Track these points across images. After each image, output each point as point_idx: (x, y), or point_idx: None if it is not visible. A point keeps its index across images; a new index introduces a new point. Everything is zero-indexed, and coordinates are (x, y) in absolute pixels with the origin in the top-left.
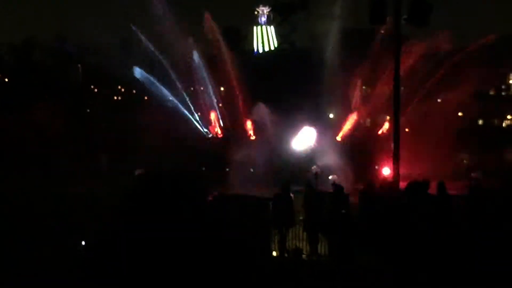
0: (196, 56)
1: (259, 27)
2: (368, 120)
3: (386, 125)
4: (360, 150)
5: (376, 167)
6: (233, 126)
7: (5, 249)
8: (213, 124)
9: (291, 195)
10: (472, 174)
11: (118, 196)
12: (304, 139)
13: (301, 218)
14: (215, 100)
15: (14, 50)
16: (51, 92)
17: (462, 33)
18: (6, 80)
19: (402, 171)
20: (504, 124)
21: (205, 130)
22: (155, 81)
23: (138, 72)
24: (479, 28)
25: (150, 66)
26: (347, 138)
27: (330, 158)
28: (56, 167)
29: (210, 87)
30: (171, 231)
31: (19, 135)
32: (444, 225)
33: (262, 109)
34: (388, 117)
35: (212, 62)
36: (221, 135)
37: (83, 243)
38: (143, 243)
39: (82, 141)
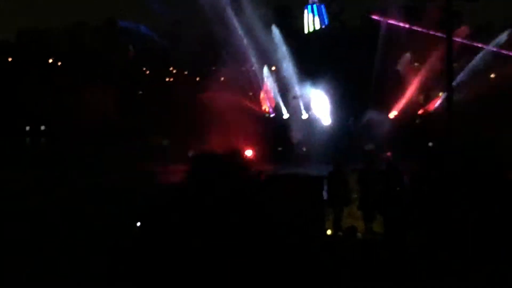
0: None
1: (309, 6)
2: (421, 97)
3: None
4: (413, 127)
5: (430, 144)
6: (285, 106)
7: (66, 225)
8: (265, 104)
9: (346, 173)
10: None
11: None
12: (356, 118)
13: (355, 196)
14: (266, 80)
15: (66, 34)
16: (103, 75)
17: None
18: (59, 63)
19: None
20: None
21: (258, 110)
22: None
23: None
24: None
25: (201, 47)
26: (400, 115)
27: (383, 136)
28: (109, 148)
29: (261, 66)
30: (224, 210)
31: (73, 117)
32: (498, 208)
33: (314, 88)
34: (440, 94)
35: (264, 41)
36: (273, 115)
37: (138, 224)
38: (196, 224)
39: (134, 122)
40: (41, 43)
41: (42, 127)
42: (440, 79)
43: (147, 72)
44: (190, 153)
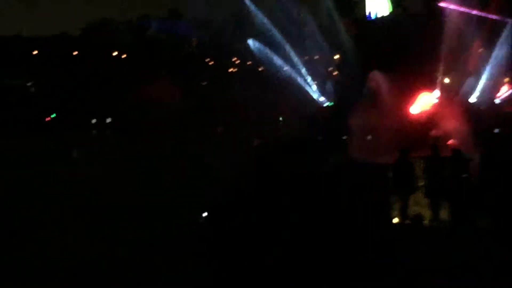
0: (309, 23)
1: None
2: (488, 83)
3: (505, 88)
4: (478, 114)
5: (496, 130)
6: (348, 94)
7: (131, 220)
8: (328, 92)
9: (411, 160)
10: None
11: (237, 167)
12: (421, 105)
13: (422, 184)
14: (330, 69)
15: (130, 27)
16: (167, 67)
17: None
18: (124, 56)
19: None
20: None
21: (321, 99)
22: (269, 52)
23: (251, 43)
24: None
25: (264, 37)
26: (464, 102)
27: (448, 123)
28: (174, 138)
29: (324, 55)
30: (290, 200)
31: (138, 109)
32: None
33: (377, 76)
34: (506, 79)
35: (326, 29)
36: (337, 104)
37: (204, 214)
38: (262, 213)
39: (199, 113)
40: (105, 36)
41: (108, 120)
42: (508, 65)
43: (211, 63)
44: (255, 142)
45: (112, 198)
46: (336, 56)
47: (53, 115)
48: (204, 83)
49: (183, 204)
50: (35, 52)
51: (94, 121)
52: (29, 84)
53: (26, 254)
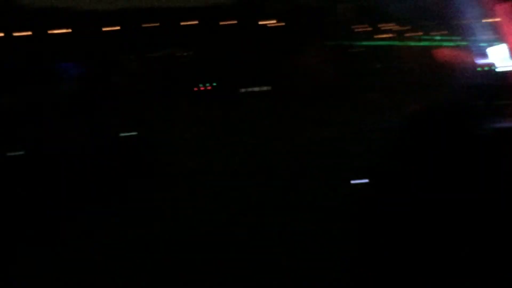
0: None
1: None
2: None
3: None
4: None
5: None
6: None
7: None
8: (488, 56)
9: None
10: None
11: (392, 133)
12: None
13: None
14: (490, 31)
15: None
16: (320, 33)
17: None
18: (277, 24)
19: None
20: None
21: (481, 62)
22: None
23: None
24: None
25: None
26: None
27: None
28: (328, 106)
29: (477, 17)
30: (448, 165)
31: (294, 78)
32: None
33: None
34: None
35: None
36: (497, 68)
37: (359, 181)
38: (419, 178)
39: (353, 78)
40: (259, 5)
41: (265, 88)
42: None
43: (366, 29)
44: (412, 107)
45: (269, 162)
46: (496, 19)
47: (214, 84)
48: (357, 49)
49: (339, 169)
50: (189, 23)
51: (250, 89)
52: (184, 54)
53: None
